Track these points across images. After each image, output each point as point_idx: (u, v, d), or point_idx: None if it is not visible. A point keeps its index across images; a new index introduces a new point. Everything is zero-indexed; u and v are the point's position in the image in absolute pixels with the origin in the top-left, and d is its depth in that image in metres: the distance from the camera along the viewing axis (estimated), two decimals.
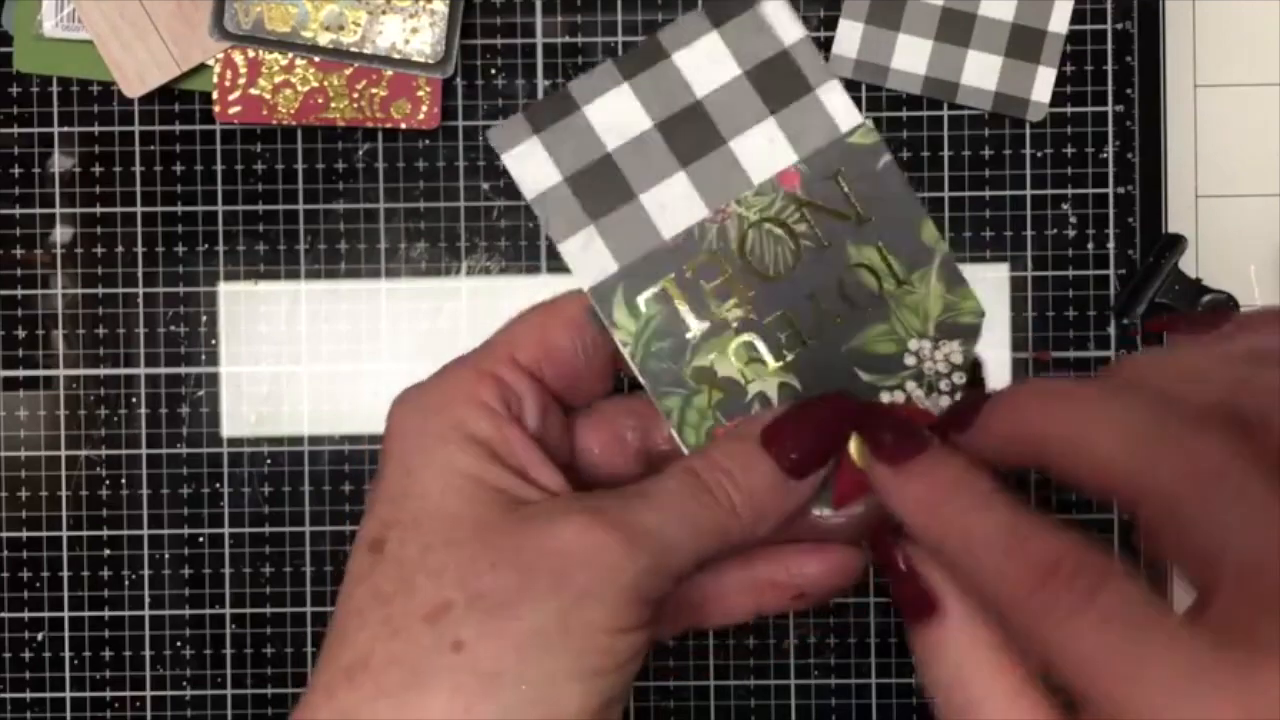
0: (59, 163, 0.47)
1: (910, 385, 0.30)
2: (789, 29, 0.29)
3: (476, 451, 0.25)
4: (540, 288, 0.47)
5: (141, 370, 0.47)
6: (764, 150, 0.29)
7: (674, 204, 0.29)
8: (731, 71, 0.29)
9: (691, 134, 0.29)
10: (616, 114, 0.29)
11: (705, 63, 0.29)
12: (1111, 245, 0.46)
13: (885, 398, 0.30)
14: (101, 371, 0.47)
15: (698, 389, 0.29)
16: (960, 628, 0.23)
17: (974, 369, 0.31)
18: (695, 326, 0.29)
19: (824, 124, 0.29)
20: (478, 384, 0.27)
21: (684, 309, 0.29)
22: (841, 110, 0.30)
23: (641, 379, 0.29)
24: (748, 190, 0.29)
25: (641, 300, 0.29)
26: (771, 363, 0.29)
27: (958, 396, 0.30)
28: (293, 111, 0.46)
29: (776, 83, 0.29)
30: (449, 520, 0.24)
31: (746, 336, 0.29)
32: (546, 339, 0.28)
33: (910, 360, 0.30)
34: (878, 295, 0.30)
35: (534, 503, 0.25)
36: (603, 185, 0.29)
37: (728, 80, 0.29)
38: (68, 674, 0.47)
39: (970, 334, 0.30)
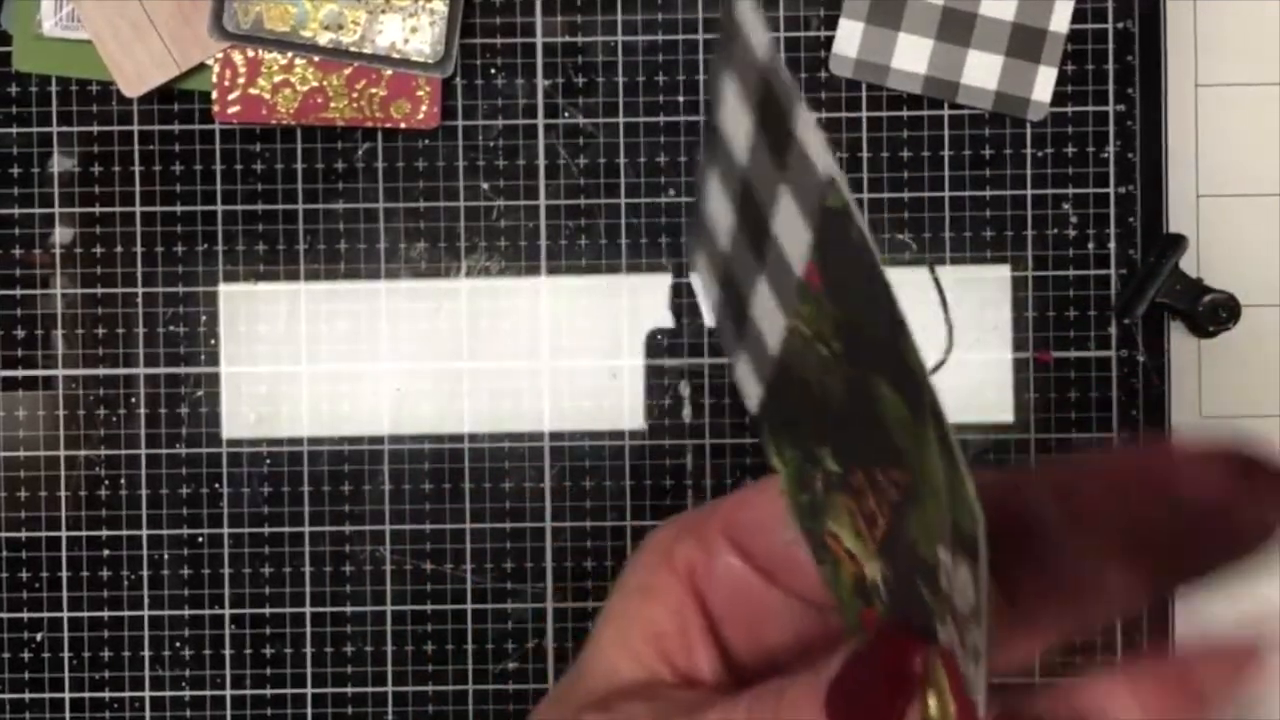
0: (59, 163, 0.47)
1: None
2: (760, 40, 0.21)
3: (654, 652, 0.28)
4: (540, 288, 0.47)
5: (141, 370, 0.47)
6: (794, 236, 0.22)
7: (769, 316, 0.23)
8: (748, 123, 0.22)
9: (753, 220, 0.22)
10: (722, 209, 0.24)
11: (734, 117, 0.22)
12: (1112, 245, 0.46)
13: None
14: (101, 372, 0.47)
15: (837, 560, 0.25)
16: None
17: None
18: (817, 481, 0.24)
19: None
20: (682, 599, 0.28)
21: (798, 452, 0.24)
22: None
23: (804, 540, 0.25)
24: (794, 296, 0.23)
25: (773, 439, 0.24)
26: (865, 537, 0.24)
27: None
28: (292, 111, 0.46)
29: (770, 119, 0.22)
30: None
31: (840, 493, 0.24)
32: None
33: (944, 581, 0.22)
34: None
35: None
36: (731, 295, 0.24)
37: (749, 130, 0.22)
38: (67, 674, 0.47)
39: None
